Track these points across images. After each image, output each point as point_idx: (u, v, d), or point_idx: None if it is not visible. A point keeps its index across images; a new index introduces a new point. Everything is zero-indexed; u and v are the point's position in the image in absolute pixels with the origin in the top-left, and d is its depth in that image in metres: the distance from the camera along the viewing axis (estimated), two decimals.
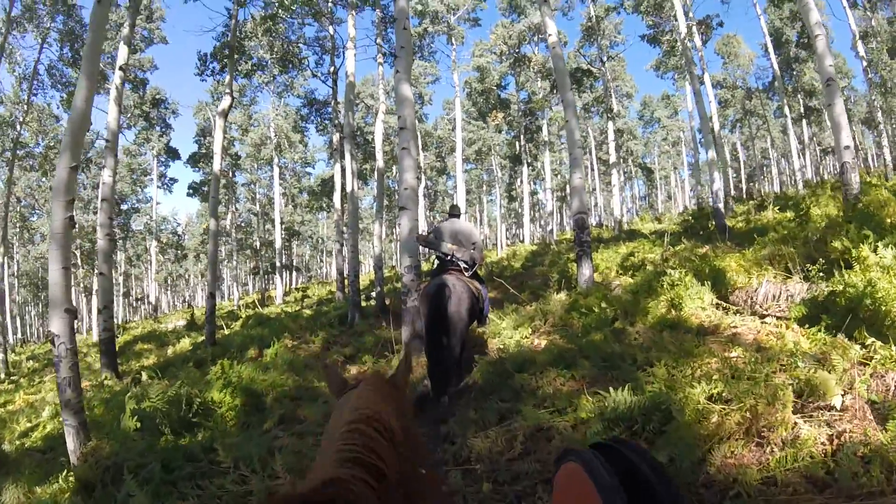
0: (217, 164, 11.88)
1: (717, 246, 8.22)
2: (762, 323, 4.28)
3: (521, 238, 33.69)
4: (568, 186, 7.28)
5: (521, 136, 26.16)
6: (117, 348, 14.85)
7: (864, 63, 15.61)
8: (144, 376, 7.27)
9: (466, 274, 4.78)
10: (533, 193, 35.90)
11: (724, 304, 4.95)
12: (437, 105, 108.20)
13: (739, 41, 25.67)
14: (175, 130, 53.53)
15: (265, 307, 20.32)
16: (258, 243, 30.42)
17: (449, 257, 4.85)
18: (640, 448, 0.63)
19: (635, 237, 13.71)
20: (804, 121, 18.87)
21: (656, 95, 36.72)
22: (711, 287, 5.12)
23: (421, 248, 5.90)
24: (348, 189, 10.37)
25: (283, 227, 31.76)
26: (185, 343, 11.62)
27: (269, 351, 7.27)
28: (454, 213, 5.35)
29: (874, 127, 25.92)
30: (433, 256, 5.93)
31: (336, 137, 16.42)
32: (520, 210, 38.16)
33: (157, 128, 27.08)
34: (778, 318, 4.22)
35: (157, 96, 25.78)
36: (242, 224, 32.28)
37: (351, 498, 0.64)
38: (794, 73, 21.76)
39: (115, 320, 33.46)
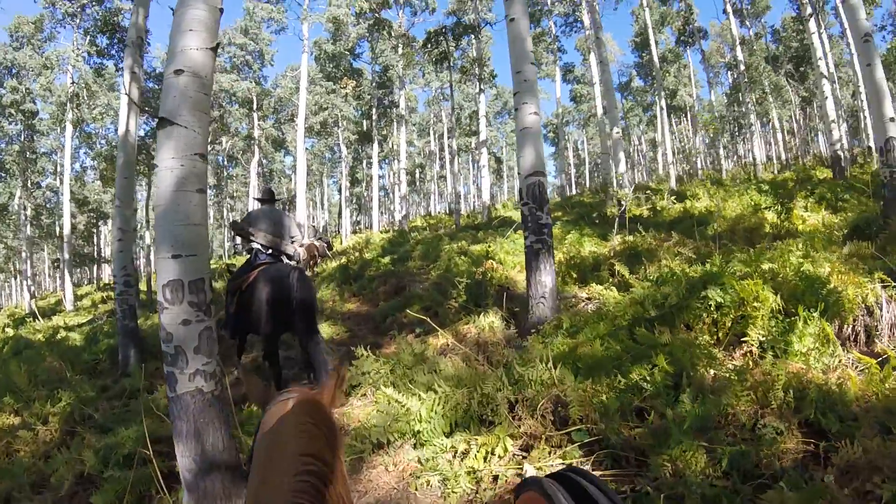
0: None
1: (671, 237, 6.39)
2: None
3: (369, 225, 30.29)
4: (515, 131, 4.41)
5: (374, 111, 23.10)
6: None
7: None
8: None
9: None
10: (380, 177, 32.98)
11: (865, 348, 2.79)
12: (280, 68, 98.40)
13: (608, 38, 26.15)
14: None
15: (56, 315, 14.51)
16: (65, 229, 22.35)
17: (268, 251, 4.10)
18: (593, 476, 0.63)
19: (514, 225, 11.73)
20: (666, 117, 19.40)
21: (509, 86, 36.50)
22: (822, 313, 2.89)
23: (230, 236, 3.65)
24: (122, 130, 6.02)
25: (89, 208, 24.11)
26: None
27: None
28: (269, 197, 4.51)
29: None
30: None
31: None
32: (366, 193, 34.76)
33: None
34: None
35: None
36: (48, 205, 24.23)
37: None
38: (661, 71, 22.65)
39: None
